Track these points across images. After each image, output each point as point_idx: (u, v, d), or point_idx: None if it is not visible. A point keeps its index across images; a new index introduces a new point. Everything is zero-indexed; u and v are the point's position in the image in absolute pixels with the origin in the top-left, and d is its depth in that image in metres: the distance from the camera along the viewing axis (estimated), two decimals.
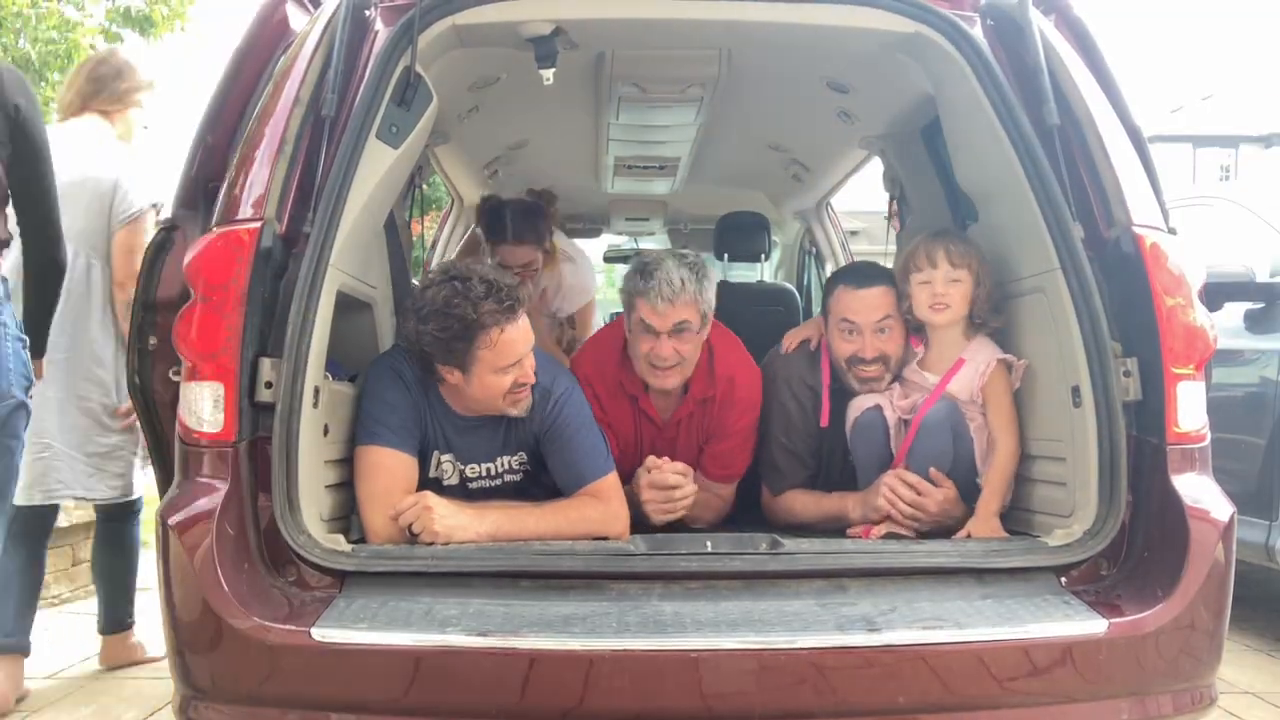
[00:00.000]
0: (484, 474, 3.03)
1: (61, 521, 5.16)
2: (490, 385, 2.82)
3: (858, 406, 3.26)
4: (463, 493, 2.93)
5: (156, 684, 3.97)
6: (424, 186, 4.77)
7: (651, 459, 3.16)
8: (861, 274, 3.35)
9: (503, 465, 3.04)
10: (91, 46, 11.99)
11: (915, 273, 3.18)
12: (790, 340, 3.49)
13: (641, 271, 3.17)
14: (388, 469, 2.80)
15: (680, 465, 3.16)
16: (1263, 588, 5.23)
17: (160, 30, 12.02)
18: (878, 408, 3.21)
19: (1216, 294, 3.11)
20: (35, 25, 11.37)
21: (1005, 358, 3.07)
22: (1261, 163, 37.12)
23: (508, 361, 2.79)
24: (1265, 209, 4.97)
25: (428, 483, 2.93)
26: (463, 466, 3.00)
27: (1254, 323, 4.59)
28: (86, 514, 5.35)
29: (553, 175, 4.29)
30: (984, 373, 3.08)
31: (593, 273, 5.21)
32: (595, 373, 3.35)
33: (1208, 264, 3.16)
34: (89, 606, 5.21)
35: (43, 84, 11.48)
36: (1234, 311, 4.59)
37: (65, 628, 4.83)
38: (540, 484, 3.04)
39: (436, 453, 2.96)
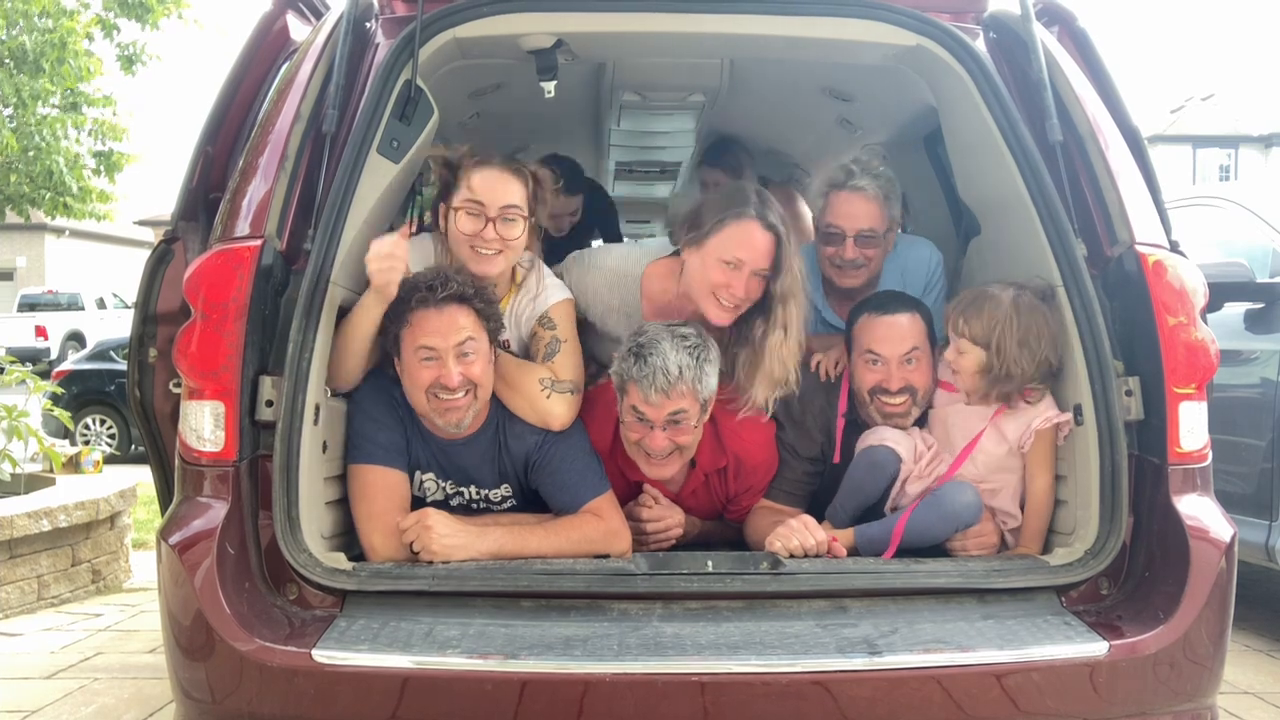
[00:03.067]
0: (460, 495, 2.99)
1: (61, 521, 5.19)
2: (412, 374, 2.76)
3: (877, 437, 3.03)
4: (446, 510, 2.87)
5: (156, 684, 3.98)
6: (424, 191, 4.76)
7: (644, 495, 3.07)
8: (887, 301, 3.11)
9: (480, 494, 2.99)
10: (88, 35, 11.96)
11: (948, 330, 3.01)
12: (817, 360, 3.27)
13: (636, 354, 2.85)
14: (383, 487, 2.79)
15: (663, 511, 3.05)
16: (1263, 587, 5.24)
17: (157, 16, 11.96)
18: (895, 453, 2.98)
19: (1217, 294, 3.06)
20: (24, 12, 11.31)
21: (1064, 418, 2.85)
22: (1261, 163, 37.21)
23: (419, 342, 2.72)
24: (1265, 209, 4.96)
25: (412, 499, 2.91)
26: (444, 483, 2.97)
27: (1254, 323, 4.58)
28: (87, 514, 5.37)
29: None
30: (1036, 427, 2.89)
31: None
32: None
33: (1207, 264, 3.11)
34: (89, 607, 5.24)
35: (40, 75, 11.44)
36: (1234, 311, 4.58)
37: (65, 628, 4.83)
38: (527, 510, 2.99)
39: (419, 472, 2.94)
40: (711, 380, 2.90)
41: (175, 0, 12.26)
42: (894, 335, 3.01)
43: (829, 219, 3.39)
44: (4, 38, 11.40)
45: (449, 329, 2.72)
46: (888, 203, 3.37)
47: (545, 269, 3.15)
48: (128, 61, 12.40)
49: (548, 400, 2.89)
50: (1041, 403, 2.90)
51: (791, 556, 2.71)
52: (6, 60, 11.58)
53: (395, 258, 2.73)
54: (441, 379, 2.73)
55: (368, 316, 2.77)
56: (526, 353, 3.05)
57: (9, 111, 11.64)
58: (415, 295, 2.74)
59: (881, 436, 3.02)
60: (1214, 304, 2.86)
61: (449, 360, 2.72)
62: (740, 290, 2.97)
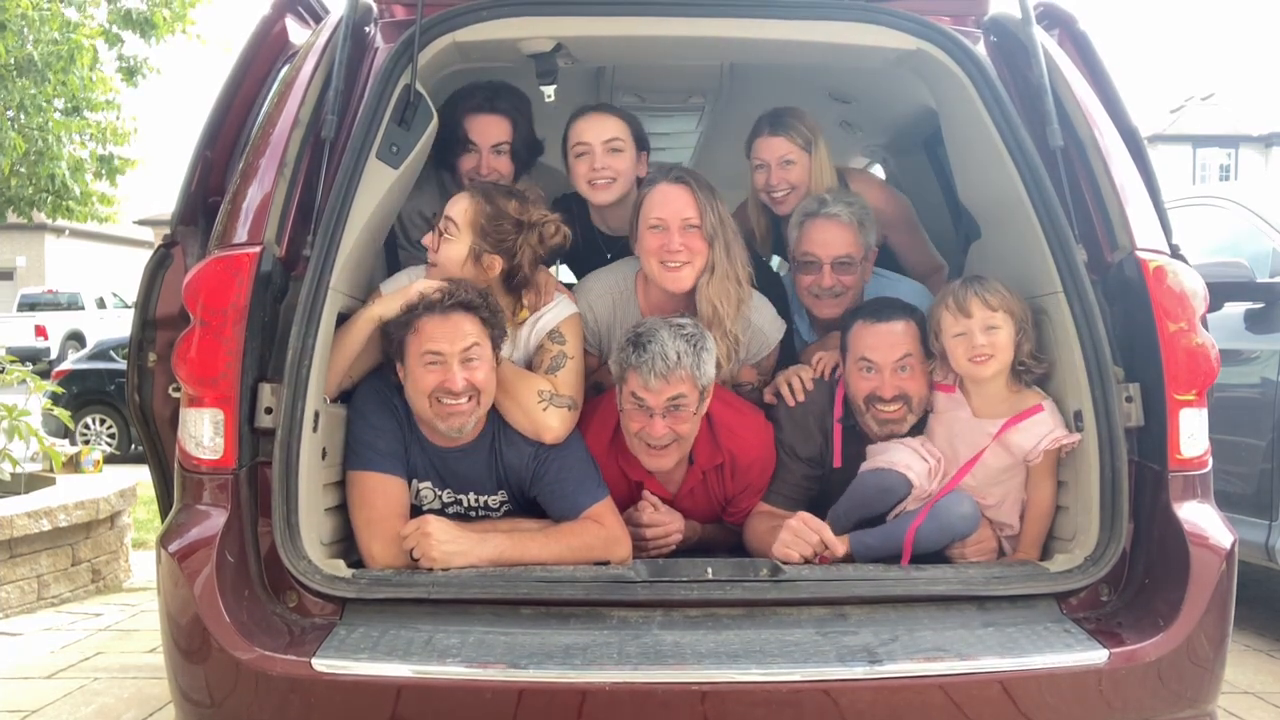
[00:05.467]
0: (457, 503, 2.99)
1: (61, 521, 5.20)
2: (416, 380, 2.76)
3: (887, 459, 2.97)
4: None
5: (156, 684, 3.99)
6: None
7: (643, 501, 3.07)
8: (881, 308, 3.10)
9: (478, 501, 2.99)
10: (93, 47, 12.00)
11: (948, 327, 2.92)
12: (819, 361, 3.25)
13: (635, 343, 2.90)
14: (381, 494, 2.79)
15: (662, 516, 3.05)
16: (1263, 588, 5.24)
17: (162, 33, 12.01)
18: (906, 479, 2.92)
19: (1217, 294, 3.06)
20: (39, 27, 11.38)
21: (1073, 439, 2.78)
22: (1261, 163, 37.31)
23: (424, 348, 2.73)
24: (1266, 209, 4.95)
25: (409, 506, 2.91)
26: (440, 492, 2.97)
27: (1254, 323, 4.58)
28: (86, 514, 5.38)
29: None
30: (1044, 447, 2.83)
31: None
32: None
33: (1207, 264, 3.07)
34: (89, 607, 5.24)
35: (45, 84, 11.49)
36: (1234, 311, 4.58)
37: (65, 628, 4.84)
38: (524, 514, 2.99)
39: (415, 480, 2.93)
40: (709, 368, 2.93)
41: (180, 16, 12.31)
42: (887, 342, 3.00)
43: (805, 247, 3.39)
44: (10, 45, 11.42)
45: (455, 334, 2.74)
46: (862, 229, 3.36)
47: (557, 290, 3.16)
48: (129, 73, 12.45)
49: (544, 413, 2.88)
50: (1049, 418, 2.86)
51: (806, 562, 2.72)
52: (11, 68, 11.60)
53: None
54: (446, 383, 2.73)
55: (363, 325, 2.81)
56: (529, 365, 3.05)
57: (10, 114, 11.66)
58: (422, 306, 2.76)
59: (892, 460, 2.96)
60: (1214, 304, 2.86)
61: (453, 365, 2.73)
62: (675, 244, 3.03)
